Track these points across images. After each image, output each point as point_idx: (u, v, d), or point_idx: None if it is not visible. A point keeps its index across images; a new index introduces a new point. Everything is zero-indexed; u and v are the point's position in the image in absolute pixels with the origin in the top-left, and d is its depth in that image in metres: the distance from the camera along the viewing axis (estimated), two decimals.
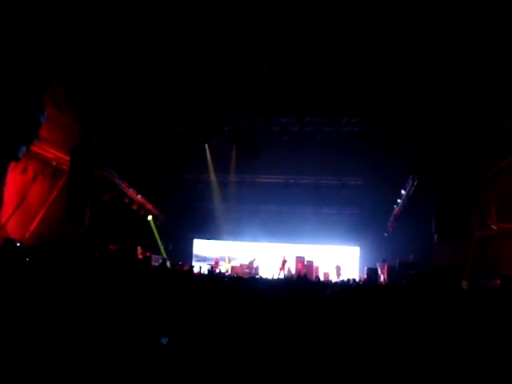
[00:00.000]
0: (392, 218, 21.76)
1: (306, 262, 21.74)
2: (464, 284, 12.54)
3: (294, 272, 21.31)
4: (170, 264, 18.77)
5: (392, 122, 16.66)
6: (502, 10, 9.93)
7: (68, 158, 14.93)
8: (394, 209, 21.09)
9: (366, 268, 19.75)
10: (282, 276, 21.09)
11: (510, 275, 10.79)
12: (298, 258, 22.16)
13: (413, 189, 18.66)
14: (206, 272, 20.67)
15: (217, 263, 23.29)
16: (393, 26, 11.35)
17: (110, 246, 17.20)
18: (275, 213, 24.22)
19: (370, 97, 15.68)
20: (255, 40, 12.29)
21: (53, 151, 14.88)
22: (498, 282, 10.39)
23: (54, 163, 15.53)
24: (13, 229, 13.94)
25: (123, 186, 19.49)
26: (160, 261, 18.91)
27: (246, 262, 23.08)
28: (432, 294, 9.87)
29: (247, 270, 22.28)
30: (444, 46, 11.90)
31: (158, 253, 22.17)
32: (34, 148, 13.33)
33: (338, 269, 22.01)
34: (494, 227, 13.63)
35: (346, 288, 13.94)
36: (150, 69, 14.57)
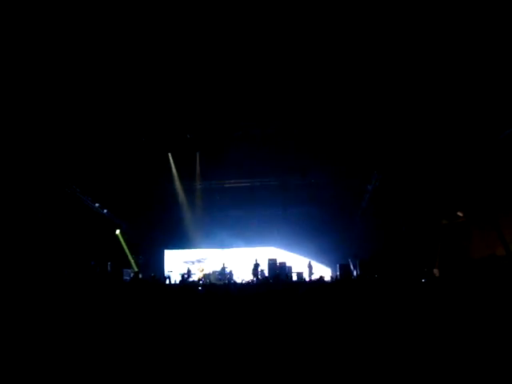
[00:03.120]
0: (360, 213, 22.02)
1: (278, 264, 21.70)
2: (436, 272, 12.75)
3: (267, 274, 21.26)
4: (142, 276, 18.54)
5: (352, 122, 16.82)
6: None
7: None
8: (360, 204, 21.34)
9: (338, 265, 19.86)
10: (255, 279, 21.05)
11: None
12: (270, 260, 22.11)
13: (377, 183, 18.93)
14: (178, 282, 20.51)
15: (189, 272, 23.09)
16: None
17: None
18: (244, 217, 24.23)
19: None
20: None
21: None
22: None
23: None
24: None
25: (88, 201, 19.19)
26: (131, 274, 18.65)
27: (219, 269, 22.95)
28: (405, 283, 10.03)
29: (220, 277, 22.14)
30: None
31: (129, 267, 21.88)
32: None
33: (310, 268, 22.08)
34: (461, 214, 13.94)
35: (320, 284, 14.07)
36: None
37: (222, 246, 24.58)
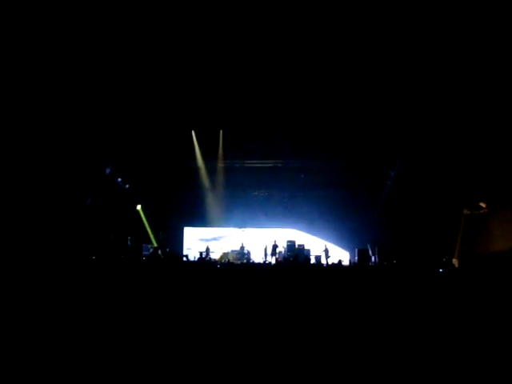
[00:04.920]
0: (381, 199, 21.86)
1: (297, 246, 21.75)
2: (455, 262, 12.65)
3: (285, 256, 21.34)
4: (162, 252, 18.73)
5: (379, 107, 16.62)
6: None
7: None
8: (382, 190, 21.19)
9: (356, 250, 19.82)
10: (273, 261, 21.15)
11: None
12: (288, 241, 22.15)
13: (401, 170, 18.73)
14: (197, 259, 20.70)
15: (208, 250, 23.29)
16: None
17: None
18: (264, 198, 24.28)
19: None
20: None
21: None
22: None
23: None
24: None
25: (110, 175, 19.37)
26: (151, 250, 18.86)
27: (237, 248, 23.09)
28: (423, 272, 9.97)
29: (238, 256, 22.30)
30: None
31: (149, 242, 22.12)
32: None
33: (327, 251, 22.08)
34: (483, 205, 13.76)
35: (338, 269, 14.07)
36: None
37: (241, 225, 24.71)
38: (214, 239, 25.40)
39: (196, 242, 25.67)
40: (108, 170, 19.15)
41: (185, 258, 18.54)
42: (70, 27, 11.82)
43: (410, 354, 3.93)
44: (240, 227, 24.78)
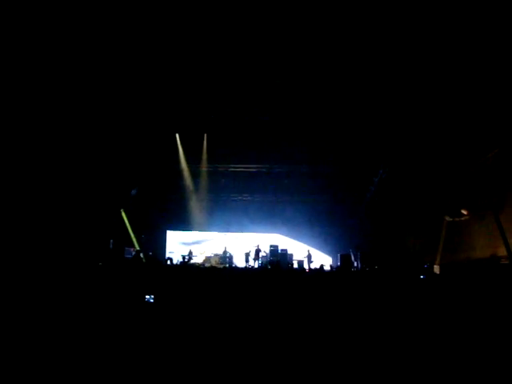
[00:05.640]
0: (364, 205, 22.01)
1: (279, 251, 21.75)
2: (436, 269, 12.77)
3: (267, 261, 21.33)
4: (144, 255, 18.60)
5: (363, 113, 16.75)
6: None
7: None
8: (365, 196, 21.33)
9: (339, 255, 19.90)
10: (255, 265, 21.14)
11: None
12: (271, 246, 22.15)
13: (384, 175, 18.90)
14: (179, 263, 20.59)
15: (190, 254, 23.19)
16: None
17: None
18: (248, 202, 24.27)
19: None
20: None
21: None
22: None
23: None
24: None
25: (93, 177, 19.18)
26: (133, 253, 18.72)
27: (220, 252, 23.05)
28: (404, 278, 10.05)
29: (221, 260, 22.24)
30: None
31: (131, 245, 21.94)
32: None
33: (309, 256, 22.14)
34: (465, 212, 13.92)
35: (321, 274, 14.13)
36: None
37: (224, 229, 24.68)
38: (197, 243, 25.33)
39: (176, 245, 25.58)
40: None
41: (169, 262, 18.44)
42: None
43: (389, 356, 3.97)
44: (223, 231, 24.76)
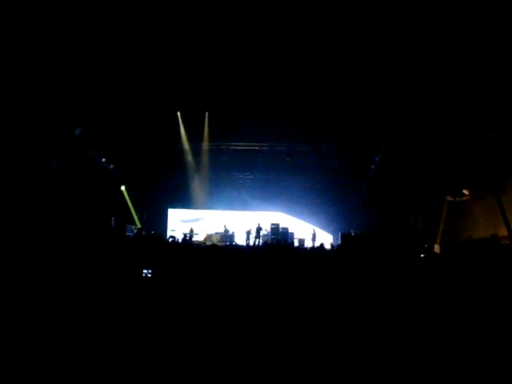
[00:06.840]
0: (365, 184, 21.99)
1: (280, 229, 21.85)
2: (436, 248, 12.81)
3: (269, 238, 21.44)
4: (146, 233, 18.69)
5: (365, 92, 16.62)
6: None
7: None
8: (367, 175, 21.29)
9: (339, 234, 19.98)
10: (256, 243, 21.26)
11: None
12: (272, 224, 22.24)
13: (386, 154, 18.83)
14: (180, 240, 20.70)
15: (192, 231, 23.30)
16: None
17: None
18: (250, 180, 24.25)
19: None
20: None
21: None
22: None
23: None
24: None
25: (94, 155, 19.20)
26: (135, 230, 18.79)
27: (221, 230, 23.16)
28: (405, 257, 10.08)
29: (222, 238, 22.37)
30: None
31: (133, 223, 22.04)
32: None
33: (314, 235, 22.26)
34: (466, 192, 13.92)
35: (319, 251, 14.18)
36: None
37: (226, 208, 24.75)
38: (197, 220, 25.43)
39: (178, 223, 25.68)
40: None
41: (171, 239, 18.54)
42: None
43: (390, 339, 3.99)
44: (224, 209, 24.85)
